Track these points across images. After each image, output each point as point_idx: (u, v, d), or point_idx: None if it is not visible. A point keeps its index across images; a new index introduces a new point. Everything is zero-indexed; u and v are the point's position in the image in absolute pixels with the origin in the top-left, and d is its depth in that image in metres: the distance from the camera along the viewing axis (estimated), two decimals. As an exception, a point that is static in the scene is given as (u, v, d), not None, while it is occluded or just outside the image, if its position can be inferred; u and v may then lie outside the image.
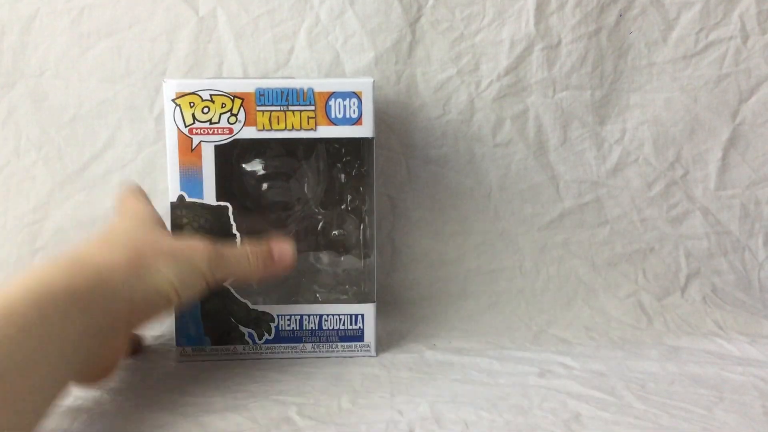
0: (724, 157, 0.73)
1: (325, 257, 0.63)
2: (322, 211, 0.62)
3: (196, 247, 0.51)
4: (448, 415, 0.48)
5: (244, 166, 0.60)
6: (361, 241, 0.61)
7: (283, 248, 0.55)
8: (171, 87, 0.55)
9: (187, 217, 0.56)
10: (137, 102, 0.69)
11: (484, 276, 0.73)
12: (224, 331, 0.58)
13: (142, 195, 0.58)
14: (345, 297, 0.61)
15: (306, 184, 0.62)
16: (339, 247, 0.62)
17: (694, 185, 0.73)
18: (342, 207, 0.62)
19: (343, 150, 0.61)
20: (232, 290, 0.58)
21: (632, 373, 0.56)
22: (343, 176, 0.61)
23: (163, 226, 0.55)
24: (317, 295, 0.62)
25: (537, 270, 0.72)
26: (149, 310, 0.49)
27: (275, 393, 0.52)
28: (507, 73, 0.71)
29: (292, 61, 0.70)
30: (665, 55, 0.72)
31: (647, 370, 0.57)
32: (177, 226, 0.56)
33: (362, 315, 0.59)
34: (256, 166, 0.61)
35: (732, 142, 0.73)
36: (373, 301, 0.59)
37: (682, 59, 0.72)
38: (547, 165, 0.72)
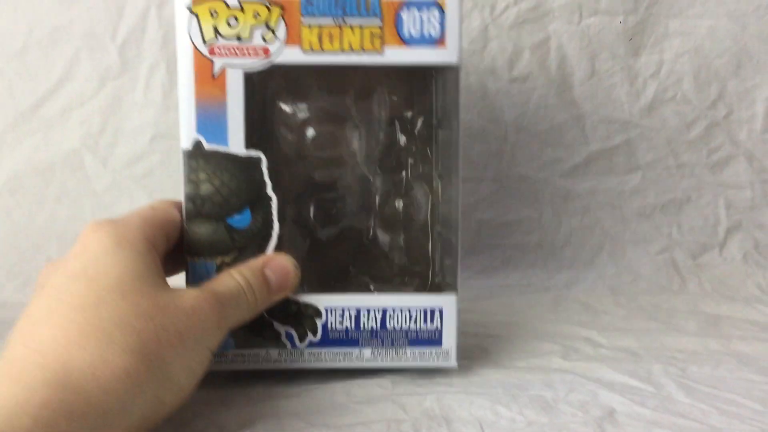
0: (774, 95, 0.68)
1: (382, 237, 0.50)
2: (385, 178, 0.49)
3: (200, 314, 0.39)
4: (458, 413, 0.41)
5: (281, 105, 0.48)
6: (429, 216, 0.49)
7: (281, 269, 0.44)
8: None
9: (205, 170, 0.43)
10: (97, 28, 0.62)
11: (497, 228, 0.68)
12: (253, 329, 0.45)
13: (121, 229, 0.39)
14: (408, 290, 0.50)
15: (359, 136, 0.48)
16: (400, 222, 0.50)
17: (739, 127, 0.68)
18: (403, 172, 0.49)
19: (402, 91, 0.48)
20: None
21: (670, 353, 0.50)
22: (404, 138, 0.49)
23: (156, 272, 0.39)
24: (371, 288, 0.49)
25: (558, 222, 0.69)
26: (150, 423, 0.37)
27: (336, 427, 0.40)
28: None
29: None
30: (711, -26, 0.66)
31: (687, 348, 0.51)
32: (191, 183, 0.43)
33: (440, 310, 0.46)
34: (297, 105, 0.48)
35: (783, 76, 0.68)
36: (455, 291, 0.46)
37: (730, -21, 0.66)
38: (572, 102, 0.67)
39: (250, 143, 0.43)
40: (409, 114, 0.49)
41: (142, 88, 0.62)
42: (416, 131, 0.49)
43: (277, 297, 0.43)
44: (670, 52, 0.66)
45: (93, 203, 0.63)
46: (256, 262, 0.43)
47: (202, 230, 0.43)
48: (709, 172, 0.68)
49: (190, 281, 0.43)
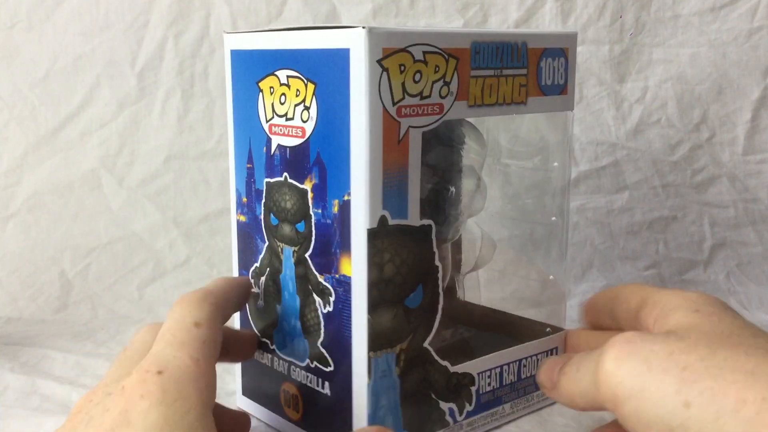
0: (754, 119, 0.69)
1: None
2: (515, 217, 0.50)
3: None
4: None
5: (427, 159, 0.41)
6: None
7: None
8: (377, 39, 0.34)
9: (388, 251, 0.36)
10: (117, 57, 0.65)
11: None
12: (422, 413, 0.40)
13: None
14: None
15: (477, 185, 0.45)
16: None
17: (721, 149, 0.69)
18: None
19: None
20: (432, 350, 0.39)
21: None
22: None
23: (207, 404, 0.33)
24: (462, 333, 0.46)
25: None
26: None
27: None
28: (517, 26, 0.67)
29: (285, 13, 0.65)
30: (692, 6, 0.67)
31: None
32: (376, 267, 0.36)
33: (556, 350, 0.45)
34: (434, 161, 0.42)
35: (763, 102, 0.68)
36: (563, 329, 0.44)
37: (710, 11, 0.67)
38: None
39: (422, 211, 0.38)
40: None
41: (158, 112, 0.65)
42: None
43: None
44: (654, 79, 0.67)
45: (107, 219, 0.66)
46: None
47: (385, 319, 0.37)
48: (693, 191, 0.69)
49: (374, 380, 0.37)
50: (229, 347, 0.39)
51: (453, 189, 0.43)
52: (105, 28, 0.65)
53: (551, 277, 0.48)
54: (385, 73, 0.35)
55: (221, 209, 0.66)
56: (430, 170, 0.41)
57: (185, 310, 0.36)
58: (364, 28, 0.34)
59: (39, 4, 0.64)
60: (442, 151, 0.43)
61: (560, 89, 0.42)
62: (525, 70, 0.40)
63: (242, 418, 0.42)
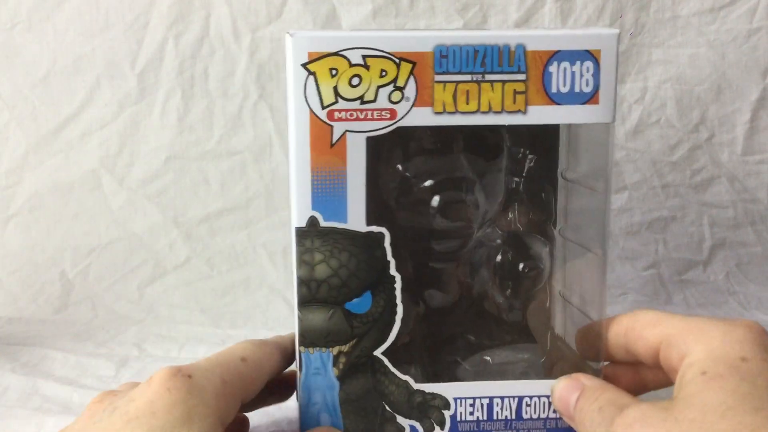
0: (753, 119, 0.68)
1: (501, 300, 0.44)
2: (498, 232, 0.44)
3: None
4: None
5: (399, 168, 0.41)
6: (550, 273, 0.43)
7: None
8: (301, 44, 0.35)
9: (320, 251, 0.37)
10: (117, 57, 0.65)
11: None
12: (374, 424, 0.39)
13: (196, 398, 0.33)
14: (526, 356, 0.44)
15: (483, 196, 0.42)
16: (523, 284, 0.43)
17: (720, 149, 0.69)
18: (510, 219, 0.44)
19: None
20: (386, 361, 0.39)
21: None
22: (515, 179, 0.43)
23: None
24: (487, 359, 0.44)
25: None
26: None
27: None
28: (517, 26, 0.66)
29: (285, 14, 0.65)
30: (691, 6, 0.67)
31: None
32: (305, 265, 0.37)
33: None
34: (418, 169, 0.41)
35: (762, 102, 0.68)
36: (600, 373, 0.39)
37: (709, 12, 0.67)
38: None
39: (371, 218, 0.37)
40: (519, 151, 0.43)
41: (158, 112, 0.65)
42: (525, 172, 0.44)
43: None
44: (654, 80, 0.67)
45: (108, 219, 0.66)
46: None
47: (318, 317, 0.38)
48: (692, 192, 0.69)
49: (305, 375, 0.39)
50: (272, 389, 0.40)
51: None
52: (105, 29, 0.64)
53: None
54: (311, 76, 0.35)
55: (221, 209, 0.66)
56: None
57: (241, 344, 0.38)
58: (291, 34, 0.35)
59: (39, 4, 0.64)
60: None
61: (586, 98, 0.37)
62: (523, 75, 0.37)
63: (242, 421, 0.42)
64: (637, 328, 0.37)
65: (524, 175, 0.44)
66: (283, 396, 0.42)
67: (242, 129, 0.65)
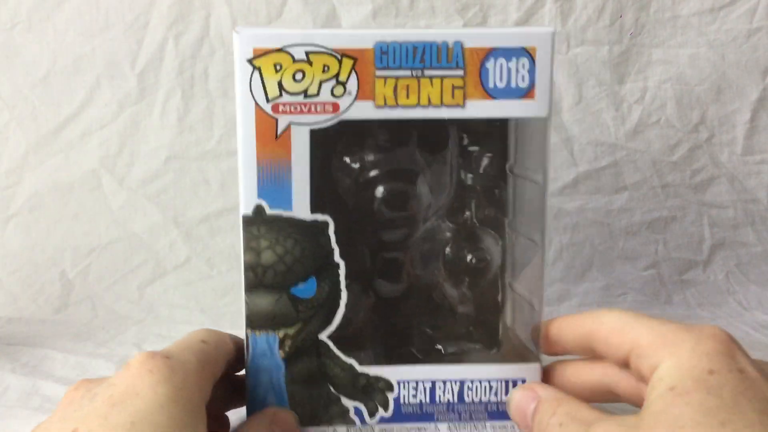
0: (753, 119, 0.68)
1: (452, 292, 0.45)
2: (450, 225, 0.45)
3: None
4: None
5: (347, 160, 0.43)
6: (501, 267, 0.45)
7: (286, 426, 0.39)
8: (246, 41, 0.37)
9: (266, 238, 0.39)
10: (117, 57, 0.65)
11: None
12: (318, 405, 0.41)
13: (180, 378, 0.33)
14: (477, 347, 0.45)
15: (427, 189, 0.44)
16: (472, 276, 0.45)
17: (720, 149, 0.69)
18: (466, 217, 0.45)
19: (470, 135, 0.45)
20: (332, 344, 0.40)
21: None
22: (470, 176, 0.45)
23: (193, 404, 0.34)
24: (439, 348, 0.45)
25: (549, 238, 0.68)
26: None
27: None
28: (517, 26, 0.66)
29: (285, 14, 0.65)
30: (691, 6, 0.67)
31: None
32: (252, 251, 0.39)
33: (522, 381, 0.41)
34: (365, 161, 0.43)
35: (762, 103, 0.68)
36: (537, 361, 0.41)
37: (709, 12, 0.67)
38: (561, 126, 0.68)
39: (316, 206, 0.39)
40: (475, 150, 0.45)
41: (158, 112, 0.65)
42: (481, 169, 0.45)
43: None
44: (654, 80, 0.67)
45: (108, 220, 0.66)
46: (262, 419, 0.39)
47: (264, 301, 0.39)
48: (692, 192, 0.69)
49: (252, 356, 0.40)
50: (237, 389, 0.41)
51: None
52: (105, 29, 0.65)
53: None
54: (257, 71, 0.37)
55: (221, 209, 0.66)
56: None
57: (195, 331, 0.38)
58: (237, 31, 0.37)
59: (39, 4, 0.64)
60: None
61: (522, 93, 0.38)
62: (461, 71, 0.38)
63: (222, 419, 0.42)
64: (603, 332, 0.37)
65: (480, 172, 0.45)
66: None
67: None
